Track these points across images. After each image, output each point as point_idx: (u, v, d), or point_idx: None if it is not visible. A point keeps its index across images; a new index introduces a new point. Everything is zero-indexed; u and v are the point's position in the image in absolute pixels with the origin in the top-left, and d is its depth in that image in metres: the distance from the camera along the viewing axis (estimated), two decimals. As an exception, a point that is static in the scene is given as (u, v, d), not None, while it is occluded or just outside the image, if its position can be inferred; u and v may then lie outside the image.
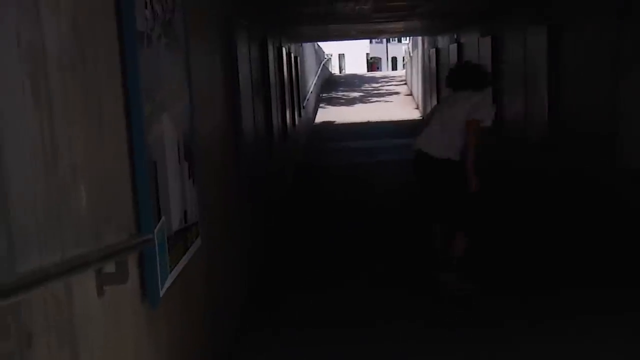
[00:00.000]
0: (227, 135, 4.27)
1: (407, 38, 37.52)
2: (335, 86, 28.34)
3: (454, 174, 4.69)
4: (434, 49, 13.15)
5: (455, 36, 10.77)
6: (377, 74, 37.75)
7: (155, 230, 2.25)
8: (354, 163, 11.58)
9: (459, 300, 4.48)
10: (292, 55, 11.16)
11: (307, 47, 17.99)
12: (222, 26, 4.37)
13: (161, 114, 2.42)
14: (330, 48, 41.72)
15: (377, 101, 22.63)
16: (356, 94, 25.00)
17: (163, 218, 2.37)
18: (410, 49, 27.62)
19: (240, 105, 4.64)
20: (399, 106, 21.17)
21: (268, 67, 6.95)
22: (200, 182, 3.09)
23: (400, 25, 11.30)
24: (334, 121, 19.03)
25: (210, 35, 3.92)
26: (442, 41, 12.50)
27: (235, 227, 4.42)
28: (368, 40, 49.94)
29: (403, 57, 54.18)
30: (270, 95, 6.89)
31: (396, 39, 51.05)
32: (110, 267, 1.90)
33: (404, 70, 33.24)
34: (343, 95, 25.38)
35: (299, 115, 12.59)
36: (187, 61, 2.92)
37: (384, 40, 53.83)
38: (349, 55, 52.25)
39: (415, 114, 19.10)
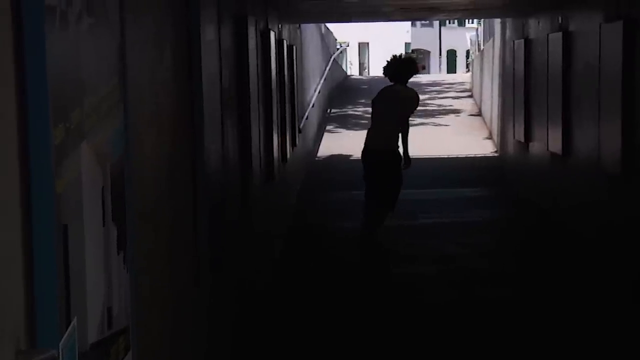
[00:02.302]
0: (181, 178, 4.27)
1: (475, 20, 37.86)
2: (352, 96, 28.54)
3: (394, 161, 9.97)
4: (522, 41, 13.28)
5: (560, 20, 10.87)
6: (422, 78, 37.97)
7: (61, 344, 2.21)
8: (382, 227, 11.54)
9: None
10: (285, 44, 11.28)
11: (309, 31, 18.17)
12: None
13: (79, 143, 2.41)
14: (345, 33, 42.20)
15: (422, 124, 22.74)
16: (387, 111, 25.25)
17: (74, 321, 2.34)
18: (481, 39, 27.83)
19: (203, 128, 4.66)
20: (460, 133, 21.29)
21: (247, 64, 7.02)
22: (136, 258, 3.08)
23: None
24: (350, 155, 19.10)
25: (158, 12, 3.95)
26: (536, 27, 12.62)
27: (186, 329, 4.37)
28: (409, 22, 50.48)
29: (467, 52, 54.90)
30: (249, 112, 6.95)
31: (455, 20, 51.60)
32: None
33: (469, 74, 33.62)
34: (365, 112, 25.51)
35: (293, 143, 12.67)
36: (123, 54, 2.93)
37: (436, 22, 54.48)
38: (376, 45, 52.76)
39: (488, 147, 19.19)
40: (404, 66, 10.29)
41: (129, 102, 2.99)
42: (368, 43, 53.71)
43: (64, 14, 2.30)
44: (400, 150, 10.05)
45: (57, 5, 2.23)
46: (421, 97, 28.37)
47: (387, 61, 10.47)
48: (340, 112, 25.00)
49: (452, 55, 62.01)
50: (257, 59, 7.95)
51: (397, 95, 10.11)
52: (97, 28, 2.63)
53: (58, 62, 2.22)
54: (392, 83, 10.27)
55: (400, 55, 10.59)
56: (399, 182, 9.99)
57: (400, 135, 9.99)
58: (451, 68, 58.81)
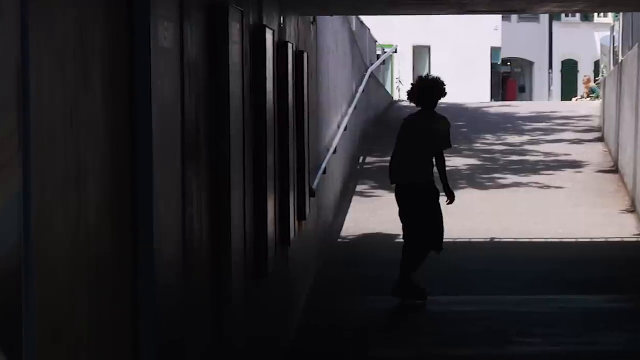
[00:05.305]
0: (114, 276, 4.30)
1: (609, 14, 37.41)
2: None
3: (431, 196, 14.57)
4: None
5: None
6: (520, 107, 38.11)
7: None
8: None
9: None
10: (290, 50, 11.32)
11: (331, 27, 18.23)
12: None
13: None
14: (392, 31, 42.34)
15: (517, 184, 22.73)
16: (461, 162, 25.03)
17: None
18: (619, 44, 27.77)
19: (152, 193, 4.70)
20: (583, 202, 21.24)
21: (227, 83, 7.04)
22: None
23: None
24: (395, 235, 19.08)
25: (83, 4, 3.98)
26: None
27: None
28: (498, 16, 50.62)
29: (596, 64, 54.53)
30: (228, 164, 6.95)
31: (577, 14, 51.35)
32: None
33: (597, 101, 33.48)
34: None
35: (301, 214, 12.68)
36: (25, 77, 2.99)
37: (544, 16, 54.31)
38: (442, 51, 53.01)
39: (630, 226, 19.03)
40: (429, 89, 14.55)
41: (32, 156, 3.01)
42: (429, 47, 53.82)
43: None
44: (432, 181, 14.38)
45: None
46: (519, 138, 28.82)
47: (412, 83, 14.94)
48: (380, 161, 24.83)
49: (569, 69, 61.91)
50: (242, 75, 7.93)
51: (424, 122, 14.53)
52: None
53: None
54: (418, 108, 14.86)
55: (427, 76, 15.10)
56: (439, 218, 14.24)
57: (435, 165, 14.44)
58: (568, 90, 58.64)
